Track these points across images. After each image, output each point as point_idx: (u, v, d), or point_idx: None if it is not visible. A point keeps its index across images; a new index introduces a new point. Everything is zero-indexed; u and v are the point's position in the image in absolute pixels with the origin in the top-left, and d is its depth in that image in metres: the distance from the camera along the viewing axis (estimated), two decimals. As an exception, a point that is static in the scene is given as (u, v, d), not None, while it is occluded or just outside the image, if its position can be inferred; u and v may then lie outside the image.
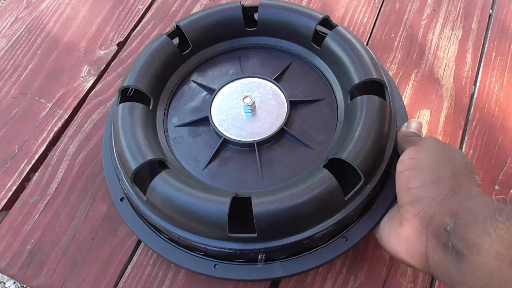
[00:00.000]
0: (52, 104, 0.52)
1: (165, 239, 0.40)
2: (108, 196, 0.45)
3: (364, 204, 0.38)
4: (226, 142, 0.42)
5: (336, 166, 0.36)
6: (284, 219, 0.34)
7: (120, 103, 0.41)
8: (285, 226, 0.35)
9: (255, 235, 0.34)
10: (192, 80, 0.47)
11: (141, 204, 0.39)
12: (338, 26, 0.44)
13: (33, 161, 0.49)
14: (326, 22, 0.45)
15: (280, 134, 0.42)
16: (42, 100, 0.53)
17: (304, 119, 0.43)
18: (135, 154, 0.37)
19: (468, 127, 0.50)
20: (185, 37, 0.46)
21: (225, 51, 0.49)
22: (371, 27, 0.57)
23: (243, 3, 0.47)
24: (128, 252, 0.43)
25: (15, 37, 0.58)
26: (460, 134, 0.49)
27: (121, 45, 0.57)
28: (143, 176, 0.40)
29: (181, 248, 0.40)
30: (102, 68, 0.55)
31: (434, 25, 0.57)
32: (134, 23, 0.59)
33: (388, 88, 0.41)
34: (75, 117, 0.51)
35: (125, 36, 0.58)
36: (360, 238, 0.38)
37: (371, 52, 0.44)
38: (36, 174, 0.48)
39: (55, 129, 0.51)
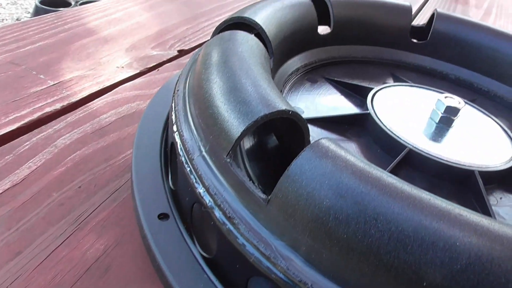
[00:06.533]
0: (55, 82, 0.31)
1: None
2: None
3: None
4: (409, 157, 0.22)
5: None
6: None
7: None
8: None
9: None
10: (326, 78, 0.29)
11: (253, 216, 0.15)
12: None
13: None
14: None
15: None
16: (41, 76, 0.32)
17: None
18: (258, 103, 0.16)
19: None
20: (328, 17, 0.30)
21: (375, 60, 0.32)
22: None
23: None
24: None
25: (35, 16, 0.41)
26: None
27: (183, 53, 0.40)
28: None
29: None
30: (151, 65, 0.37)
31: None
32: (204, 40, 0.43)
33: None
34: (90, 103, 0.30)
35: (191, 47, 0.41)
36: None
37: None
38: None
39: (47, 109, 0.28)
